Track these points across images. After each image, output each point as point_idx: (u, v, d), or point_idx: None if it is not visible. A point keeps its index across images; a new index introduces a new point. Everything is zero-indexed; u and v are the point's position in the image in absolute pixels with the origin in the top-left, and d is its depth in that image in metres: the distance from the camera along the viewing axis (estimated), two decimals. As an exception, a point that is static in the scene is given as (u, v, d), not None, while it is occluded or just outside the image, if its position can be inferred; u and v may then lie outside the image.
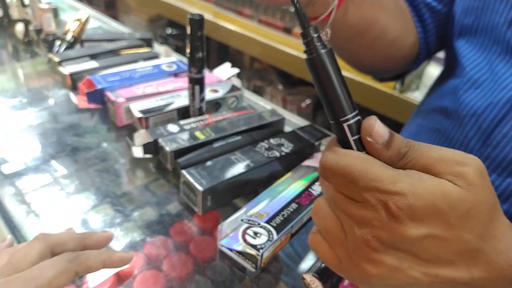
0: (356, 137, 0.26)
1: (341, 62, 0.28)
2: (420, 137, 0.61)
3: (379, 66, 0.62)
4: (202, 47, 0.52)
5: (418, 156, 0.25)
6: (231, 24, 1.48)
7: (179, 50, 1.80)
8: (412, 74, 1.11)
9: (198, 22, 0.51)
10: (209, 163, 0.47)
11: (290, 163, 0.50)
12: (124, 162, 0.55)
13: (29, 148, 0.56)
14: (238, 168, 0.46)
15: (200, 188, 0.43)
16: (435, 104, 0.59)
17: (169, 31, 1.80)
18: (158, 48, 0.81)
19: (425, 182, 0.24)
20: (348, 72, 1.19)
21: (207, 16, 1.54)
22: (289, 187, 0.46)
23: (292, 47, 1.35)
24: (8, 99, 0.67)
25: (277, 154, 0.49)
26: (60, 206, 0.48)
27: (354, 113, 0.26)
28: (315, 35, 0.26)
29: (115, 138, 0.59)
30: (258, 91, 1.60)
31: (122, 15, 2.24)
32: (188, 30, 0.51)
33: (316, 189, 0.46)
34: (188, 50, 0.53)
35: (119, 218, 0.47)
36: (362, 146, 0.26)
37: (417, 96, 1.12)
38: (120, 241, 0.44)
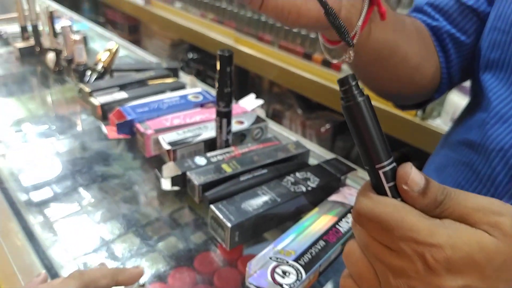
0: (391, 184, 0.27)
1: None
2: (447, 169, 0.61)
3: (400, 93, 0.62)
4: (230, 82, 0.54)
5: (455, 204, 0.25)
6: (252, 49, 1.51)
7: (200, 73, 1.83)
8: (434, 102, 1.11)
9: (227, 58, 0.52)
10: (237, 198, 0.47)
11: (317, 197, 0.51)
12: (149, 191, 0.56)
13: (57, 175, 0.58)
14: (266, 204, 0.47)
15: (228, 224, 0.43)
16: (462, 137, 0.59)
17: (190, 55, 1.84)
18: (184, 77, 0.83)
19: (462, 233, 0.24)
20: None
21: (228, 41, 1.58)
22: (316, 223, 0.46)
23: (312, 72, 1.36)
24: (37, 126, 0.70)
25: (304, 189, 0.50)
26: (87, 234, 0.49)
27: (389, 160, 0.27)
28: (353, 83, 0.26)
29: (142, 167, 0.61)
30: (277, 114, 1.62)
31: (145, 39, 2.30)
32: (218, 66, 0.53)
33: (343, 225, 0.46)
34: (216, 85, 0.54)
35: (144, 248, 0.48)
36: (397, 193, 0.27)
37: (438, 123, 1.12)
38: (145, 272, 0.45)
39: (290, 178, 0.51)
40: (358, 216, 0.27)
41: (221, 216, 0.44)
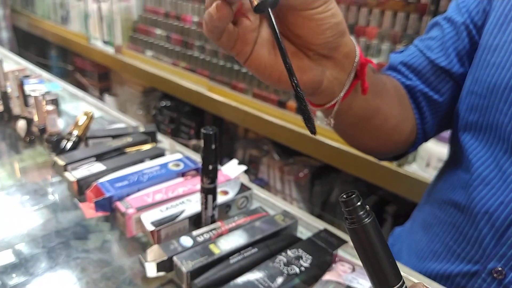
0: None
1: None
2: (434, 228, 0.61)
3: (380, 150, 0.64)
4: (215, 159, 0.53)
5: None
6: (225, 97, 1.51)
7: (174, 121, 1.82)
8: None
9: (212, 136, 0.51)
10: (228, 286, 0.45)
11: (311, 277, 0.49)
12: (132, 276, 0.53)
13: (31, 255, 0.54)
14: (260, 291, 0.45)
15: (224, 321, 0.41)
16: (447, 196, 0.59)
17: (163, 103, 1.83)
18: (163, 141, 0.81)
19: None
20: (344, 145, 1.21)
21: (201, 89, 1.58)
22: (313, 309, 0.44)
23: (286, 120, 1.37)
24: (7, 196, 0.66)
25: (297, 270, 0.48)
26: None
27: (400, 283, 0.26)
28: (358, 203, 0.26)
29: (124, 249, 0.58)
30: (254, 160, 1.61)
31: (116, 86, 2.28)
32: (202, 144, 0.52)
33: (341, 309, 0.44)
34: (201, 162, 0.53)
35: None
36: None
37: (414, 169, 1.14)
38: None
39: (282, 258, 0.50)
40: None
41: (214, 312, 0.42)
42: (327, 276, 0.49)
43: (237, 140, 1.70)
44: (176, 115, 1.78)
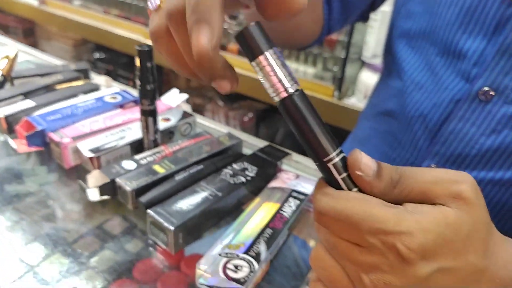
0: (344, 175, 0.25)
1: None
2: (371, 140, 0.64)
3: (285, 46, 0.66)
4: (153, 78, 0.51)
5: (413, 182, 0.25)
6: (164, 44, 1.45)
7: (110, 73, 1.73)
8: (347, 81, 1.16)
9: (147, 53, 0.49)
10: (175, 198, 0.45)
11: (257, 186, 0.50)
12: (73, 205, 0.51)
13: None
14: (207, 200, 0.45)
15: (171, 227, 0.41)
16: (382, 108, 0.62)
17: (97, 55, 1.73)
18: (96, 78, 0.77)
19: (428, 214, 0.24)
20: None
21: (137, 37, 1.50)
22: (260, 212, 0.45)
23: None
24: None
25: (243, 179, 0.49)
26: (7, 261, 0.44)
27: (337, 151, 0.25)
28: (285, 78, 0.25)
29: (61, 181, 0.55)
30: (198, 108, 1.59)
31: (43, 42, 2.11)
32: (137, 62, 0.49)
33: (287, 210, 0.46)
34: (138, 83, 0.51)
35: (76, 267, 0.44)
36: (352, 182, 0.25)
37: (354, 101, 1.18)
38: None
39: (228, 171, 0.50)
40: (320, 216, 0.25)
41: (161, 220, 0.42)
42: (272, 184, 0.50)
43: (179, 90, 1.66)
44: (112, 67, 1.70)
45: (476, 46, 0.48)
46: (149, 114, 0.53)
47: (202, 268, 0.39)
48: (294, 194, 0.49)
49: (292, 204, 0.47)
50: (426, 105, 0.53)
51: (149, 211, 0.43)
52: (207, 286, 0.38)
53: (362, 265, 0.24)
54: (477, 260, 0.25)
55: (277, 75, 0.25)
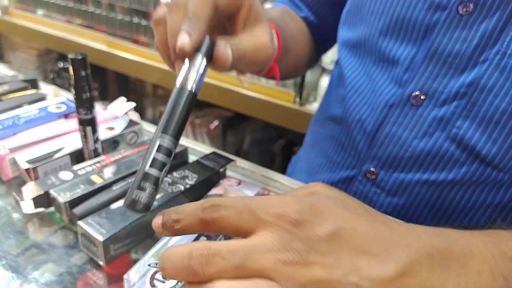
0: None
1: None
2: (318, 144, 0.65)
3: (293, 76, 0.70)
4: (88, 87, 0.50)
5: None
6: (128, 53, 1.44)
7: (75, 84, 1.70)
8: (308, 88, 1.18)
9: (80, 61, 0.48)
10: (108, 208, 0.44)
11: (197, 194, 0.49)
12: (16, 218, 0.50)
13: None
14: (141, 209, 0.44)
15: (100, 238, 0.40)
16: (327, 113, 0.63)
17: (61, 65, 1.70)
18: (46, 88, 0.76)
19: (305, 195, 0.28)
20: (252, 92, 1.22)
21: (101, 46, 1.49)
22: (197, 220, 0.45)
23: (193, 71, 1.34)
24: None
25: (182, 187, 0.48)
26: None
27: (172, 139, 0.33)
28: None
29: (1, 193, 0.54)
30: (165, 118, 1.57)
31: (8, 53, 2.07)
32: (71, 71, 0.48)
33: (224, 218, 0.46)
34: (73, 92, 0.50)
35: (18, 280, 0.42)
36: None
37: (315, 107, 1.19)
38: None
39: (167, 179, 0.49)
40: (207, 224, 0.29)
41: (91, 231, 0.41)
42: (213, 191, 0.50)
43: (146, 98, 1.64)
44: (78, 77, 1.67)
45: (408, 53, 0.49)
46: (87, 124, 0.52)
47: (131, 280, 0.38)
48: None
49: None
50: (364, 110, 0.55)
51: (80, 222, 0.42)
52: (137, 297, 0.37)
53: (273, 248, 0.25)
54: (381, 226, 0.26)
55: (195, 73, 0.35)
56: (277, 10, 0.64)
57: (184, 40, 0.34)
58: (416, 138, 0.48)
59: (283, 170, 0.76)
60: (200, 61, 0.35)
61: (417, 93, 0.47)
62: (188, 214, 0.28)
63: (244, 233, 0.27)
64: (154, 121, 1.56)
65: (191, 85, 0.34)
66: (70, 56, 0.48)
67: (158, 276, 0.38)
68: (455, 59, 0.45)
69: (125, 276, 0.38)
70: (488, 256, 0.29)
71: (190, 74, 0.34)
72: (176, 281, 0.37)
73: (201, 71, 0.35)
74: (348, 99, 0.57)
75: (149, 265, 0.39)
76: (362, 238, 0.25)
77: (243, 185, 0.51)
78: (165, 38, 0.38)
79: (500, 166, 0.45)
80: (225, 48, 0.37)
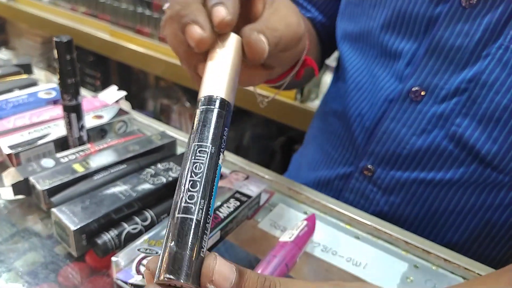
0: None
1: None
2: (318, 139, 0.64)
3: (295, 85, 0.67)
4: (74, 72, 0.49)
5: None
6: (131, 43, 1.43)
7: (78, 72, 1.70)
8: (310, 84, 1.16)
9: (65, 45, 0.47)
10: (85, 197, 0.43)
11: (179, 187, 0.48)
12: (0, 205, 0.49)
13: None
14: (118, 200, 0.43)
15: (72, 227, 0.39)
16: (329, 108, 0.62)
17: (65, 53, 1.69)
18: (39, 73, 0.75)
19: None
20: (257, 88, 1.21)
21: (103, 35, 1.48)
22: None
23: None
24: None
25: (164, 180, 0.47)
26: None
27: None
28: None
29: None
30: (165, 109, 1.56)
31: (14, 39, 2.07)
32: (56, 55, 0.47)
33: (223, 211, 0.44)
34: (58, 76, 0.48)
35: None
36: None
37: (317, 104, 1.17)
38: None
39: (150, 171, 0.48)
40: None
41: (63, 219, 0.39)
42: (220, 183, 0.48)
43: (148, 89, 1.63)
44: (79, 65, 1.66)
45: (409, 47, 0.47)
46: (72, 110, 0.50)
47: (120, 263, 0.37)
48: (237, 195, 0.47)
49: (232, 205, 0.45)
50: (364, 105, 0.53)
51: (54, 209, 0.41)
52: (122, 281, 0.36)
53: None
54: None
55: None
56: None
57: (221, 12, 0.28)
58: (414, 135, 0.47)
59: (282, 168, 0.75)
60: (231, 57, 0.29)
61: (417, 88, 0.46)
62: None
63: None
64: (155, 113, 1.55)
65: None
66: (55, 39, 0.47)
67: (145, 262, 0.36)
68: (457, 53, 0.43)
69: (113, 258, 0.37)
70: None
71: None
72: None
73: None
74: (348, 93, 0.56)
75: (138, 249, 0.37)
76: None
77: (250, 180, 0.50)
78: (181, 35, 0.31)
79: (500, 167, 0.43)
80: (257, 35, 0.30)
